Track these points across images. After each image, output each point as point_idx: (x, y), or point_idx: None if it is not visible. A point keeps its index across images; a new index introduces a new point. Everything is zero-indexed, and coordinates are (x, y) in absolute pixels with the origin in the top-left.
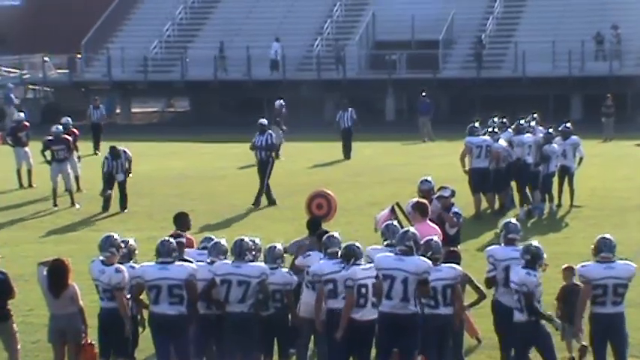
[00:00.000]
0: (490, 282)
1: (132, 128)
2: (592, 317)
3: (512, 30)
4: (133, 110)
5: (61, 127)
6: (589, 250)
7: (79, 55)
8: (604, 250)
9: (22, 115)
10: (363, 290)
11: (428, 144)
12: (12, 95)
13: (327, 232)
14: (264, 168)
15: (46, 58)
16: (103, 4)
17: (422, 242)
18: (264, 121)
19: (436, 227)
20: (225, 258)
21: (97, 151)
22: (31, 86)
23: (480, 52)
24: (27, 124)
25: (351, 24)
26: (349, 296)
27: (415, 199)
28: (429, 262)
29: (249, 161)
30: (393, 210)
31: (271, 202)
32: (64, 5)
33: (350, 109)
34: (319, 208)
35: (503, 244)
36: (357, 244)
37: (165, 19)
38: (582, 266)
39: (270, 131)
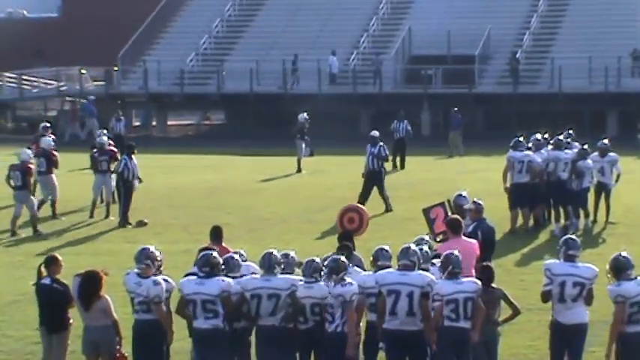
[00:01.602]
0: (545, 296)
1: (167, 141)
2: (623, 336)
3: (549, 45)
4: (169, 123)
5: (105, 138)
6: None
7: (115, 68)
8: (629, 267)
9: (47, 124)
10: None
11: (463, 158)
12: (93, 107)
13: (347, 245)
14: (376, 177)
15: (83, 71)
16: (140, 17)
17: (442, 256)
18: (375, 132)
19: (474, 242)
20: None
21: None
22: (68, 98)
23: (516, 68)
24: (53, 135)
25: (387, 38)
26: (352, 312)
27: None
28: (432, 276)
29: (283, 174)
30: (443, 206)
31: (388, 209)
32: (102, 18)
33: (405, 120)
34: (351, 222)
35: (562, 260)
36: (343, 258)
37: (202, 32)
38: (617, 285)
39: (381, 143)
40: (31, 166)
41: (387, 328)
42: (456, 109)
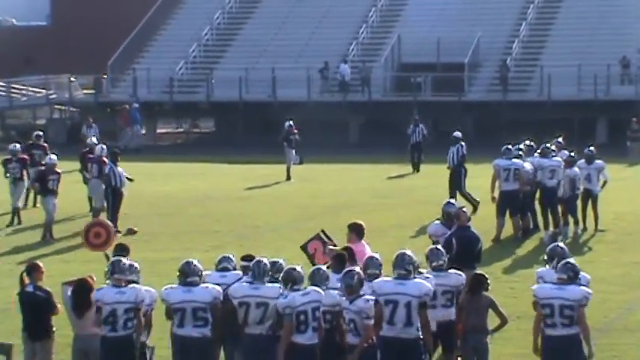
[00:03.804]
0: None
1: (157, 148)
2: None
3: (538, 53)
4: (159, 131)
5: (104, 146)
6: (614, 273)
7: (105, 76)
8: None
9: (40, 133)
10: (302, 317)
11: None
12: (137, 114)
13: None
14: (457, 178)
15: (72, 79)
16: (130, 25)
17: (363, 260)
18: (458, 134)
19: (367, 247)
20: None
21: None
22: (57, 106)
23: (506, 75)
24: (45, 144)
25: (376, 46)
26: (288, 324)
27: (352, 221)
28: (430, 285)
29: (272, 182)
30: (319, 238)
31: (475, 206)
32: (91, 26)
33: (421, 125)
34: (97, 237)
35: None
36: (299, 268)
37: (192, 40)
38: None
39: (462, 142)
40: (58, 170)
41: (384, 335)
42: (417, 117)
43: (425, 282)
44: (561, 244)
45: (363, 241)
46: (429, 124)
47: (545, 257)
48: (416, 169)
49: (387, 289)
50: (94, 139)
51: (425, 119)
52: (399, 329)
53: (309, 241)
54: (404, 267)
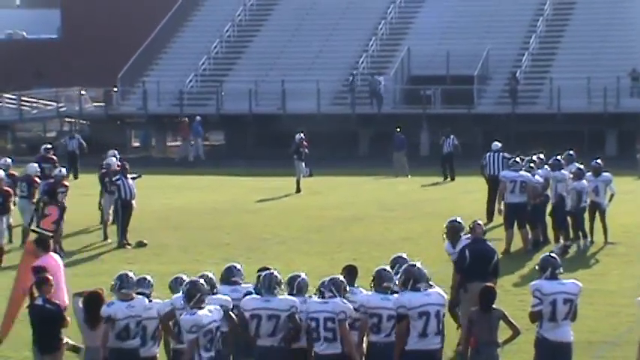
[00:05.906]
0: (535, 316)
1: (167, 161)
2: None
3: (548, 66)
4: (168, 143)
5: (114, 158)
6: (624, 286)
7: (115, 89)
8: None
9: (49, 146)
10: (313, 324)
11: (466, 178)
12: (200, 127)
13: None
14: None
15: (82, 91)
16: (140, 38)
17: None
18: (497, 144)
19: (57, 260)
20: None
21: (76, 178)
22: (67, 119)
23: (515, 88)
24: (54, 157)
25: (386, 59)
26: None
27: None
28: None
29: (282, 194)
30: (62, 208)
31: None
32: (101, 39)
33: (452, 136)
34: None
35: (548, 279)
36: (304, 276)
37: (201, 53)
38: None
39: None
40: (66, 183)
41: (414, 349)
42: (398, 129)
43: (443, 292)
44: (553, 254)
45: (50, 255)
46: (438, 136)
47: (538, 268)
48: (451, 178)
49: (418, 302)
50: (112, 156)
51: (435, 131)
52: (429, 340)
53: (50, 205)
54: (427, 280)
